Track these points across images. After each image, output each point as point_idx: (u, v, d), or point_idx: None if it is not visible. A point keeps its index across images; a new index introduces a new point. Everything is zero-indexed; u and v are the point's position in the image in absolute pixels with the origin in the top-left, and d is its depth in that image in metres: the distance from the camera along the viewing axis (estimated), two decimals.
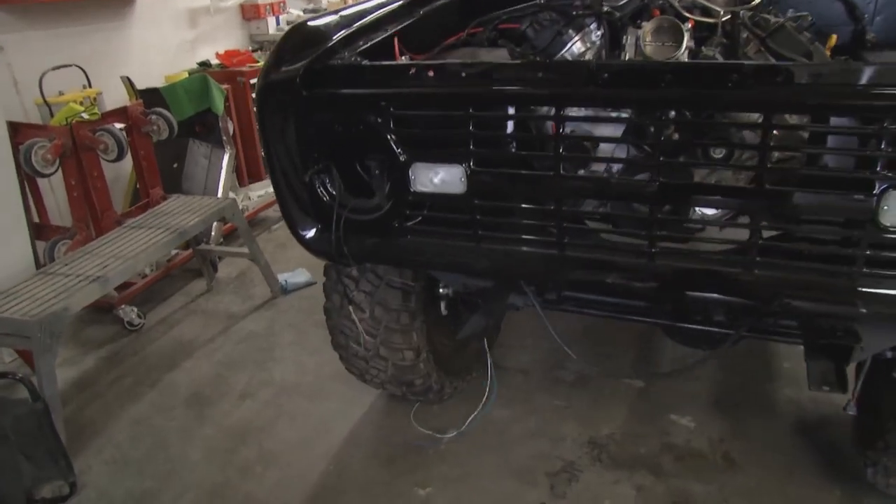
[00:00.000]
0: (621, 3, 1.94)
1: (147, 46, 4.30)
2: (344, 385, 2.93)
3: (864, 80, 1.31)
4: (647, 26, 1.76)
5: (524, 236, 1.70)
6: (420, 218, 1.82)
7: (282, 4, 5.40)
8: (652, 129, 1.47)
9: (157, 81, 4.21)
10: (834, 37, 2.10)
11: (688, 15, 1.87)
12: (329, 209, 1.87)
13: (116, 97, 3.90)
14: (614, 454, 2.52)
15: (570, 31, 1.88)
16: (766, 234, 1.56)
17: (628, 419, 2.70)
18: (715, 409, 2.74)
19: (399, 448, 2.64)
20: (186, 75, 4.24)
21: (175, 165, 4.17)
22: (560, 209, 1.60)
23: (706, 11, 1.89)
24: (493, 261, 1.76)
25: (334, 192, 1.85)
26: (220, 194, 4.16)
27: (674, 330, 2.21)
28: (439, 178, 1.70)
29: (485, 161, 1.66)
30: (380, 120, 1.70)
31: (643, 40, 1.77)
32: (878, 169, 1.33)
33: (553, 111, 1.55)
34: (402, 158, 1.71)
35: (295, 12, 5.58)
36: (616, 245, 1.64)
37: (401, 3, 2.29)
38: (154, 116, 3.53)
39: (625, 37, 1.85)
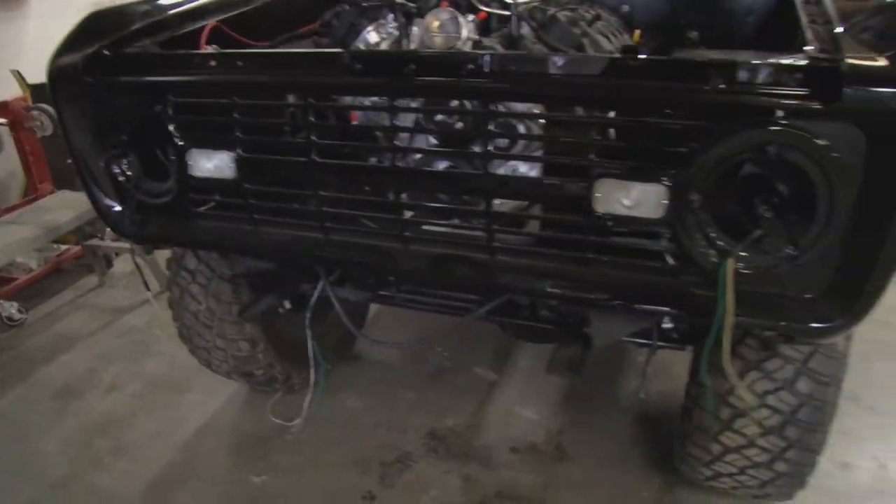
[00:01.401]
0: None
1: (46, 39, 4.25)
2: (211, 377, 2.96)
3: (562, 69, 1.37)
4: (428, 18, 1.81)
5: (294, 220, 1.76)
6: (213, 203, 1.88)
7: None
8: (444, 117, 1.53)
9: None
10: (638, 32, 2.16)
11: (481, 7, 1.92)
12: (126, 192, 1.92)
13: (9, 92, 3.90)
14: (451, 445, 2.58)
15: (364, 21, 1.94)
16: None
17: (474, 411, 2.76)
18: (561, 402, 2.81)
19: (247, 438, 2.69)
20: None
21: (70, 161, 4.17)
22: (317, 194, 1.66)
23: (502, 3, 1.94)
24: (270, 244, 1.82)
25: (131, 175, 1.90)
26: None
27: (506, 324, 2.27)
28: (213, 164, 1.76)
29: (257, 148, 1.72)
30: (159, 107, 1.75)
31: (427, 32, 1.82)
32: (590, 157, 1.39)
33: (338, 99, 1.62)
34: (180, 144, 1.77)
35: None
36: (376, 230, 1.70)
37: None
38: (37, 112, 3.55)
39: (413, 28, 1.90)
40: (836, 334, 1.46)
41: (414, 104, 1.60)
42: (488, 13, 1.89)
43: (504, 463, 2.50)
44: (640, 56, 1.29)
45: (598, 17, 1.96)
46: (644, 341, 1.98)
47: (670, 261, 1.42)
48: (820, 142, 1.20)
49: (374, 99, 1.64)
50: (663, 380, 2.77)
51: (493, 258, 1.56)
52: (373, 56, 1.64)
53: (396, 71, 1.49)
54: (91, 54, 1.79)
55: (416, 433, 2.65)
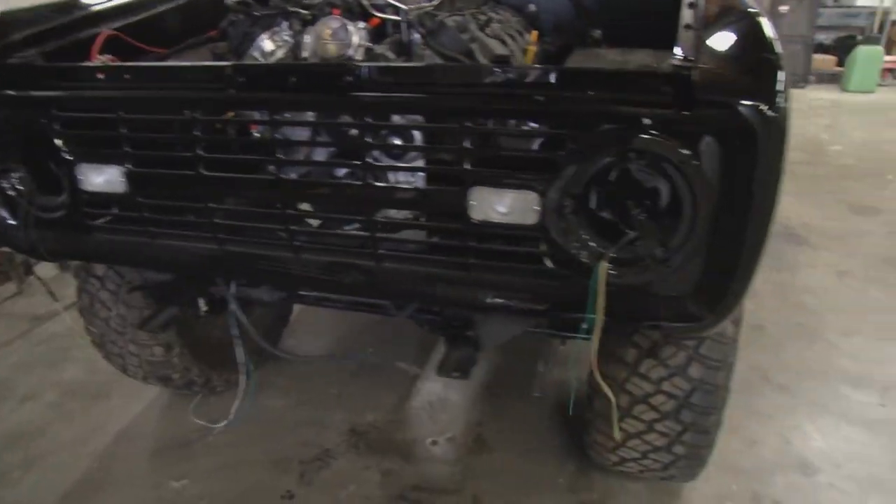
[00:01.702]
0: (317, 0, 1.98)
1: None
2: (132, 382, 2.92)
3: (433, 79, 1.39)
4: (318, 26, 1.80)
5: (190, 233, 1.75)
6: (110, 216, 1.84)
7: None
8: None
9: None
10: (535, 33, 2.19)
11: (375, 13, 1.92)
12: (19, 206, 1.87)
13: None
14: (372, 441, 2.61)
15: (258, 30, 1.92)
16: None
17: (395, 406, 2.79)
18: (483, 394, 2.85)
19: (169, 441, 2.66)
20: None
21: None
22: (208, 207, 1.65)
23: (396, 9, 1.94)
24: (167, 256, 1.81)
25: (23, 190, 1.85)
26: None
27: (420, 319, 2.29)
28: (103, 179, 1.73)
29: (148, 162, 1.70)
30: (44, 121, 1.71)
31: (318, 40, 1.81)
32: (463, 167, 1.40)
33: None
34: (68, 159, 1.73)
35: None
36: (268, 240, 1.70)
37: None
38: None
39: (305, 36, 1.89)
40: (704, 331, 1.52)
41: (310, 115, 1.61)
42: (381, 19, 1.89)
43: (424, 456, 2.54)
44: (507, 66, 1.31)
45: (489, 21, 1.97)
46: (553, 332, 2.03)
47: (549, 264, 1.45)
48: (680, 149, 1.23)
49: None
50: (584, 368, 2.84)
51: (379, 265, 1.58)
52: (255, 70, 1.62)
53: (278, 84, 1.49)
54: None
55: (337, 430, 2.67)
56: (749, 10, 1.36)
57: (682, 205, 1.29)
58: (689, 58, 1.29)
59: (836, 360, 3.10)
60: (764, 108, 1.16)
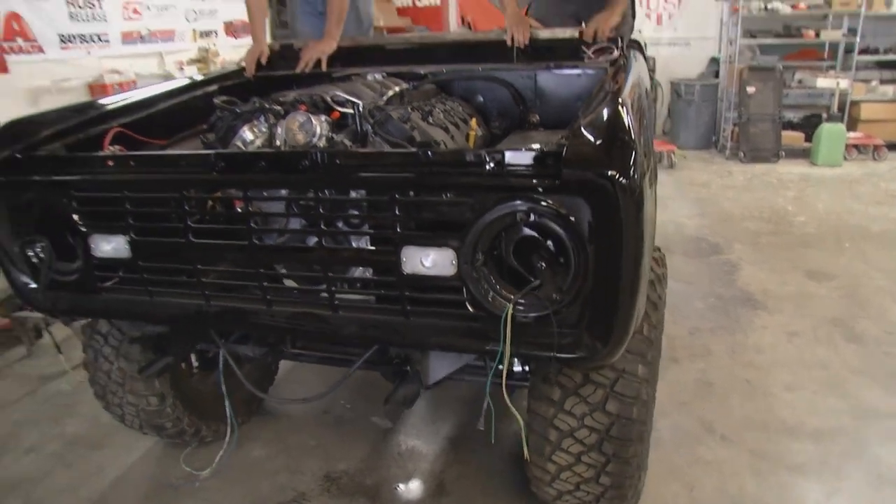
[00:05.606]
0: (289, 98, 2.39)
1: None
2: (129, 434, 3.19)
3: (372, 161, 1.77)
4: (288, 120, 2.20)
5: (183, 290, 2.09)
6: (116, 278, 2.19)
7: (133, 83, 5.78)
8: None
9: None
10: (475, 119, 2.60)
11: (336, 107, 2.33)
12: (39, 271, 2.22)
13: None
14: (344, 486, 2.87)
15: (240, 122, 2.32)
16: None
17: (368, 455, 3.06)
18: (448, 445, 3.12)
19: (159, 487, 2.92)
20: None
21: None
22: (197, 268, 2.00)
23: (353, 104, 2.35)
24: (164, 311, 2.14)
25: (43, 258, 2.20)
26: None
27: (385, 372, 2.60)
28: (111, 246, 2.08)
29: (148, 231, 2.05)
30: (64, 200, 2.08)
31: (288, 131, 2.21)
32: (396, 230, 1.76)
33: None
34: (83, 230, 2.09)
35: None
36: (245, 295, 2.04)
37: (149, 95, 2.72)
38: None
39: (278, 128, 2.29)
40: (602, 362, 1.82)
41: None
42: (341, 113, 2.30)
43: (389, 498, 2.79)
44: (425, 151, 1.68)
45: (432, 111, 2.38)
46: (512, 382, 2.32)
47: (470, 309, 1.78)
48: (559, 211, 1.59)
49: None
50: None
51: (335, 314, 1.91)
52: (233, 156, 2.00)
53: (250, 168, 1.87)
54: (4, 158, 2.13)
55: (313, 476, 2.93)
56: (618, 97, 1.74)
57: (570, 255, 1.63)
58: (566, 137, 1.65)
59: (777, 413, 3.36)
60: (618, 177, 1.51)
